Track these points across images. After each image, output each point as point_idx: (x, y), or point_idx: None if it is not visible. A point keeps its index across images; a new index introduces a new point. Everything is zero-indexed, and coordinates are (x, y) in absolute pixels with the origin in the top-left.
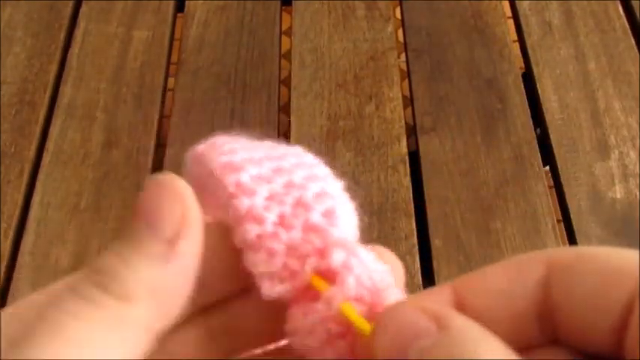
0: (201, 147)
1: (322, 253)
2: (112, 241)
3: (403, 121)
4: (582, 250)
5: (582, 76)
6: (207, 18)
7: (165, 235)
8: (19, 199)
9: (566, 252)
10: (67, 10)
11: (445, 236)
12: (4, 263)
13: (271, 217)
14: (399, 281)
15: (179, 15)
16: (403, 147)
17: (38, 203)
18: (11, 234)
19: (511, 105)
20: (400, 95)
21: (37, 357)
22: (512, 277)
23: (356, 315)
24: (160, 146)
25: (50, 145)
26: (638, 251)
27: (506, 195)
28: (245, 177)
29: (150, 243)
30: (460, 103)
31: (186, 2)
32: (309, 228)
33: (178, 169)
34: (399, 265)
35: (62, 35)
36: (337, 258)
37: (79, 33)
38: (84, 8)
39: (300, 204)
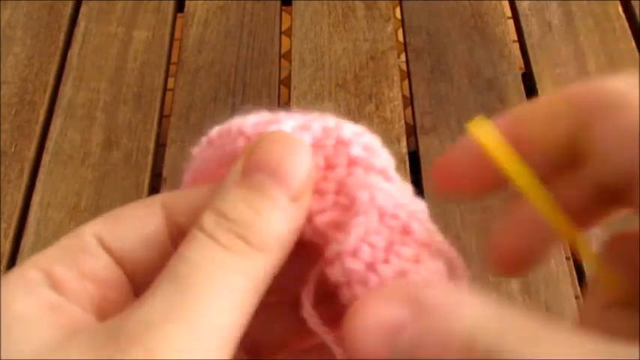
0: (225, 125)
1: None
2: (238, 185)
3: (403, 121)
4: (603, 90)
5: (582, 76)
6: (207, 18)
7: (292, 190)
8: (19, 199)
9: (591, 94)
10: (67, 10)
11: (445, 236)
12: (4, 263)
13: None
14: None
15: (179, 15)
16: (403, 147)
17: (38, 203)
18: (11, 234)
19: (511, 105)
20: (400, 95)
21: (199, 308)
22: (546, 115)
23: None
24: (160, 146)
25: (50, 145)
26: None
27: (507, 195)
28: (287, 128)
29: (279, 197)
30: (460, 103)
31: (186, 2)
32: (352, 162)
33: (178, 169)
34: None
35: (62, 35)
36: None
37: (79, 33)
38: (84, 8)
39: (341, 142)
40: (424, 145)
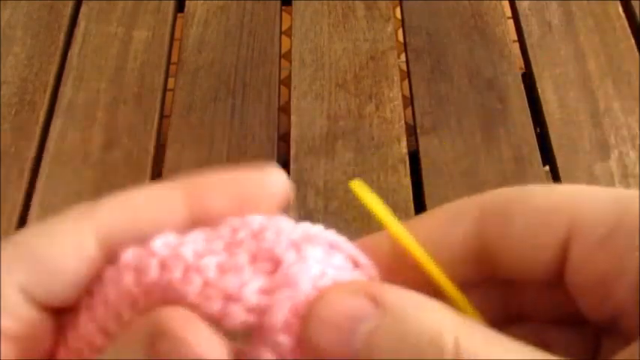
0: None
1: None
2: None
3: (403, 121)
4: (515, 190)
5: (582, 76)
6: (207, 18)
7: None
8: (19, 199)
9: (500, 194)
10: (67, 10)
11: None
12: None
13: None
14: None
15: (179, 15)
16: (403, 147)
17: (38, 203)
18: (11, 234)
19: (511, 105)
20: (400, 95)
21: None
22: (447, 223)
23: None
24: (160, 146)
25: (50, 145)
26: (574, 186)
27: None
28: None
29: None
30: (460, 103)
31: (186, 2)
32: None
33: (178, 169)
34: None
35: (62, 35)
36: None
37: (79, 33)
38: (84, 8)
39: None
40: (424, 145)
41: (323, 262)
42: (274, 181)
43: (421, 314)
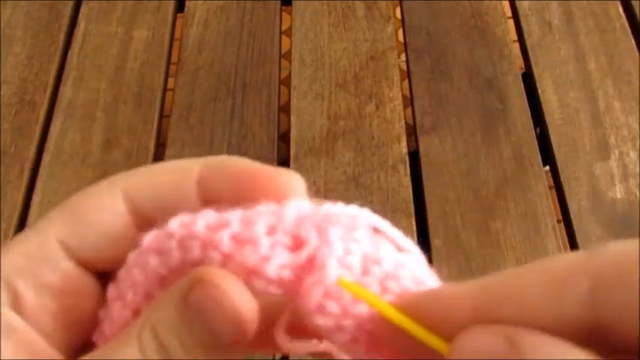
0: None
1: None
2: (176, 307)
3: (403, 121)
4: (628, 254)
5: (582, 76)
6: (207, 18)
7: (225, 339)
8: (19, 199)
9: (613, 260)
10: (67, 10)
11: (445, 236)
12: None
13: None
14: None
15: (179, 15)
16: (403, 147)
17: (38, 203)
18: (11, 234)
19: (511, 105)
20: (400, 95)
21: None
22: (553, 291)
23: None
24: (160, 146)
25: (50, 145)
26: None
27: (506, 195)
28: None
29: (213, 340)
30: (460, 103)
31: (186, 2)
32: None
33: None
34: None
35: (62, 35)
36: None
37: (79, 33)
38: (84, 8)
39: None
40: (424, 145)
41: (346, 240)
42: (289, 181)
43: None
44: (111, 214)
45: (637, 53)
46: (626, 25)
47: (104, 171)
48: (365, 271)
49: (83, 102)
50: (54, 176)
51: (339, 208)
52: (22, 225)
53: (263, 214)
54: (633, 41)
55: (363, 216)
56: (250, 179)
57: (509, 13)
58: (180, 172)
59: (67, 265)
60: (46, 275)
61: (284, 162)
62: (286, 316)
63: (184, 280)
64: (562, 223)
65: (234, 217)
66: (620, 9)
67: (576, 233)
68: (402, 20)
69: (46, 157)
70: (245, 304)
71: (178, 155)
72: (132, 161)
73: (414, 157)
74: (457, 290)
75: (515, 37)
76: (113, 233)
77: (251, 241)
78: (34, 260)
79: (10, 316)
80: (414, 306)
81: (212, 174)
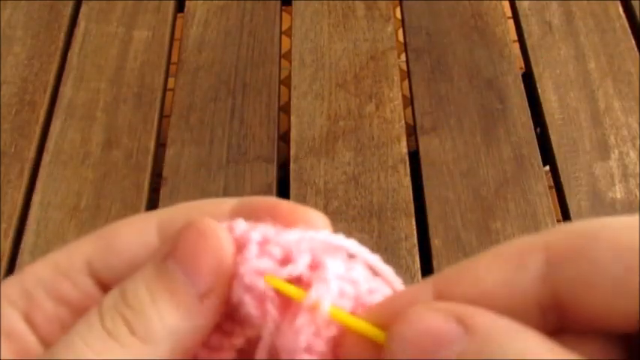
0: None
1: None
2: (150, 268)
3: (403, 121)
4: (588, 226)
5: (582, 76)
6: (207, 18)
7: (199, 290)
8: (19, 199)
9: (570, 232)
10: (67, 10)
11: (445, 236)
12: (4, 263)
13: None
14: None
15: (179, 15)
16: (403, 147)
17: (38, 203)
18: (11, 234)
19: (511, 105)
20: (400, 95)
21: None
22: (507, 267)
23: (349, 316)
24: (160, 146)
25: (50, 145)
26: (633, 218)
27: (506, 195)
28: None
29: (183, 292)
30: (460, 103)
31: (186, 2)
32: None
33: (178, 169)
34: (324, 220)
35: (62, 35)
36: (302, 262)
37: (79, 33)
38: (84, 8)
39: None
40: (424, 145)
41: (342, 277)
42: (313, 218)
43: (516, 341)
44: (140, 246)
45: (637, 53)
46: (626, 25)
47: (104, 171)
48: (341, 294)
49: (83, 102)
50: (54, 176)
51: (340, 240)
52: (22, 225)
53: (271, 228)
54: (633, 41)
55: (360, 252)
56: (277, 214)
57: (509, 13)
58: (215, 207)
59: (88, 283)
60: (66, 289)
61: (284, 162)
62: (264, 347)
63: (163, 245)
64: (562, 223)
65: (258, 230)
66: (620, 9)
67: None
68: (402, 20)
69: (46, 157)
70: (227, 247)
71: (178, 155)
72: (132, 161)
73: (414, 157)
74: (418, 285)
75: (515, 37)
76: (137, 264)
77: (245, 245)
78: (59, 273)
79: (19, 324)
80: (378, 308)
81: (244, 210)
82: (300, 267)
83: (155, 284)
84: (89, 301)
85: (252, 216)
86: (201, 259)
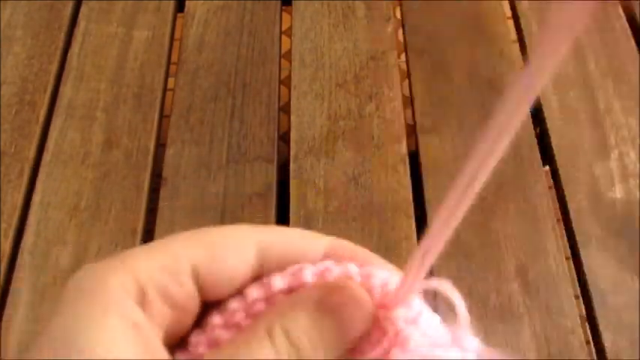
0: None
1: None
2: (307, 309)
3: (403, 121)
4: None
5: (582, 76)
6: (207, 18)
7: (345, 345)
8: (19, 199)
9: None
10: (67, 10)
11: None
12: (4, 263)
13: None
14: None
15: (179, 15)
16: (403, 147)
17: (38, 203)
18: (11, 234)
19: None
20: (400, 95)
21: None
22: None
23: None
24: (160, 146)
25: (50, 145)
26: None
27: (506, 195)
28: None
29: (335, 347)
30: (460, 103)
31: (186, 2)
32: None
33: (178, 169)
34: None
35: (62, 35)
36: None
37: (79, 33)
38: (84, 8)
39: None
40: (424, 145)
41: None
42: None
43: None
44: (241, 262)
45: (637, 53)
46: (626, 25)
47: (104, 171)
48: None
49: (83, 102)
50: (54, 176)
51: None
52: (22, 225)
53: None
54: (633, 41)
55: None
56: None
57: (509, 13)
58: (311, 243)
59: (191, 286)
60: (173, 288)
61: (284, 162)
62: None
63: (314, 289)
64: (562, 222)
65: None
66: (620, 9)
67: (576, 233)
68: (402, 20)
69: (46, 157)
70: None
71: (178, 155)
72: (132, 161)
73: (414, 157)
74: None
75: (515, 37)
76: (236, 277)
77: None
78: (168, 273)
79: (138, 313)
80: None
81: (335, 253)
82: (414, 312)
83: (321, 326)
84: (188, 300)
85: (338, 258)
86: (355, 324)
